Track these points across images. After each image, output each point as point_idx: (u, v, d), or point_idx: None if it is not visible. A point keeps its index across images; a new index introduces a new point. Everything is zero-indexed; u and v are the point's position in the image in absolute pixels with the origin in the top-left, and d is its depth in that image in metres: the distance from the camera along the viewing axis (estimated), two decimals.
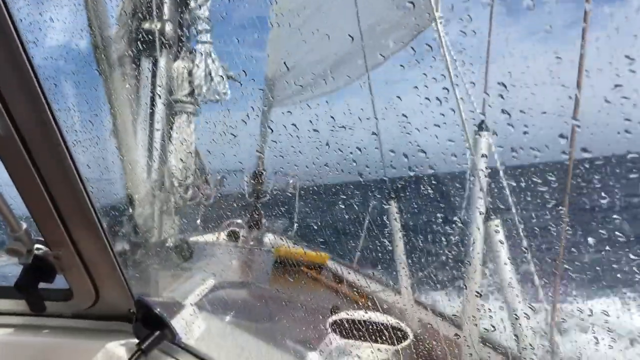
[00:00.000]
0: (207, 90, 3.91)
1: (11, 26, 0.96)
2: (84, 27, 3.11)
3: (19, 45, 0.99)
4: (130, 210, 3.60)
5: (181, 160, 4.11)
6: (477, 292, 3.04)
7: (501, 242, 2.93)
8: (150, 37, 3.75)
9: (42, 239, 1.36)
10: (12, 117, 1.09)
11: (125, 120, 3.59)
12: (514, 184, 3.26)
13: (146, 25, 3.76)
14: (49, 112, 1.12)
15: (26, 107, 1.09)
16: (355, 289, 3.95)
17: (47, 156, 1.19)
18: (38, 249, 1.36)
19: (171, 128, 4.05)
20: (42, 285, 1.44)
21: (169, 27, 3.78)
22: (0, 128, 1.10)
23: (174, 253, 3.58)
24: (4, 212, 1.25)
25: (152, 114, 3.87)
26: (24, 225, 1.32)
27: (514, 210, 3.21)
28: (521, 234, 3.11)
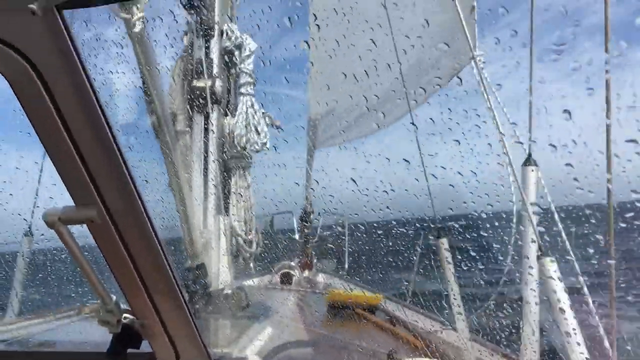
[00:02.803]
0: (247, 141, 4.06)
1: (92, 93, 1.08)
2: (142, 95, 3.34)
3: (106, 127, 1.12)
4: (190, 265, 3.74)
5: (242, 216, 4.27)
6: (534, 329, 3.02)
7: (557, 279, 2.90)
8: (201, 93, 3.96)
9: (129, 309, 1.50)
10: (103, 200, 1.23)
11: (184, 179, 3.77)
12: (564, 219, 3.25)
13: (198, 83, 3.98)
14: (132, 186, 1.25)
15: (114, 189, 1.23)
16: (410, 330, 3.96)
17: (134, 233, 1.32)
18: (126, 317, 1.50)
19: (229, 184, 4.21)
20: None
21: (218, 84, 3.99)
22: (96, 216, 1.24)
23: (231, 303, 3.69)
24: (98, 289, 1.39)
25: (206, 171, 4.04)
26: (114, 298, 1.46)
27: (568, 247, 3.18)
28: (576, 268, 3.08)
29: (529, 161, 3.20)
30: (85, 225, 1.27)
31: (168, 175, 3.71)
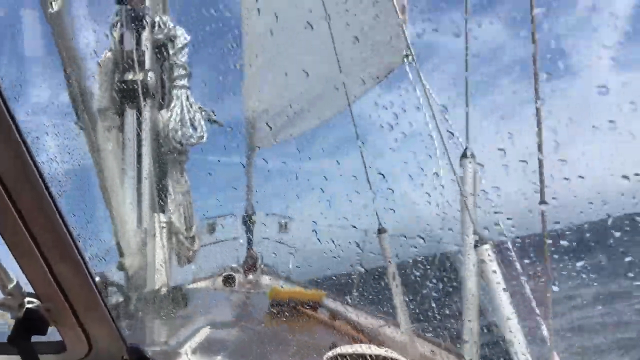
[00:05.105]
0: (182, 135, 3.95)
1: None
2: (63, 84, 3.17)
3: (2, 104, 1.02)
4: (122, 263, 3.58)
5: (181, 212, 4.13)
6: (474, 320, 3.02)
7: (494, 270, 2.91)
8: (132, 87, 3.80)
9: (33, 292, 1.36)
10: None
11: (112, 172, 3.60)
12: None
13: (128, 76, 3.82)
14: (33, 166, 1.14)
15: (11, 165, 1.12)
16: (352, 326, 3.92)
17: (34, 210, 1.20)
18: (30, 302, 1.36)
19: (165, 180, 4.07)
20: (35, 338, 1.43)
21: (150, 76, 3.85)
22: None
23: (169, 302, 3.55)
24: None
25: (140, 166, 3.89)
26: (15, 280, 1.32)
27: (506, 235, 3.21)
28: (514, 256, 3.10)
29: (465, 154, 3.24)
30: None
31: (97, 175, 3.54)
